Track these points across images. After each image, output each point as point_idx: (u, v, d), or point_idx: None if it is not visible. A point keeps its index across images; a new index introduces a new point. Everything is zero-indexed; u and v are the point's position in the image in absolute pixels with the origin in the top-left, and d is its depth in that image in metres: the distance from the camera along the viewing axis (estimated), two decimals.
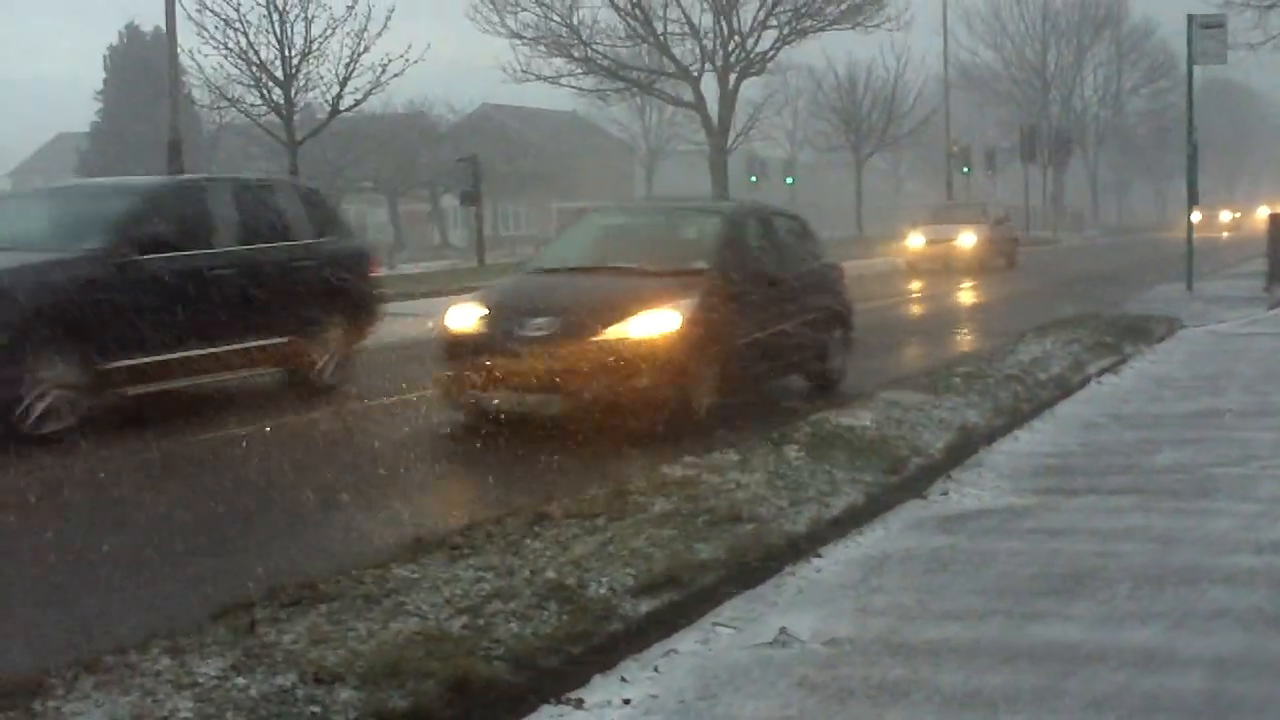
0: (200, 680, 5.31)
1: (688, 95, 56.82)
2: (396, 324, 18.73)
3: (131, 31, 73.79)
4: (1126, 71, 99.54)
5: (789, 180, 72.30)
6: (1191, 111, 27.17)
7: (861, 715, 5.56)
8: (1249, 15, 38.48)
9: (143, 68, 63.38)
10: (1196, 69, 27.11)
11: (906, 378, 13.56)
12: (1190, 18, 25.75)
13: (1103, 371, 15.17)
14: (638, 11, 53.87)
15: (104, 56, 77.24)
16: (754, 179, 66.71)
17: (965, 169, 69.81)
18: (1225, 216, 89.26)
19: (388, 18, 36.00)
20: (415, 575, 6.62)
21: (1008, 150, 78.43)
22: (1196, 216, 64.46)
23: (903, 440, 10.35)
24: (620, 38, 55.64)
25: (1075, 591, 7.08)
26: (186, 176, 20.08)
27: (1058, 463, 10.57)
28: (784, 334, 13.45)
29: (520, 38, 53.10)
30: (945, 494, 9.47)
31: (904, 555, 7.87)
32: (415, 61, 36.23)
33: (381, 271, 19.57)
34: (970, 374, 13.72)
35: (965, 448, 10.69)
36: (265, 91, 35.76)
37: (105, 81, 76.99)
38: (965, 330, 22.68)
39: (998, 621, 6.64)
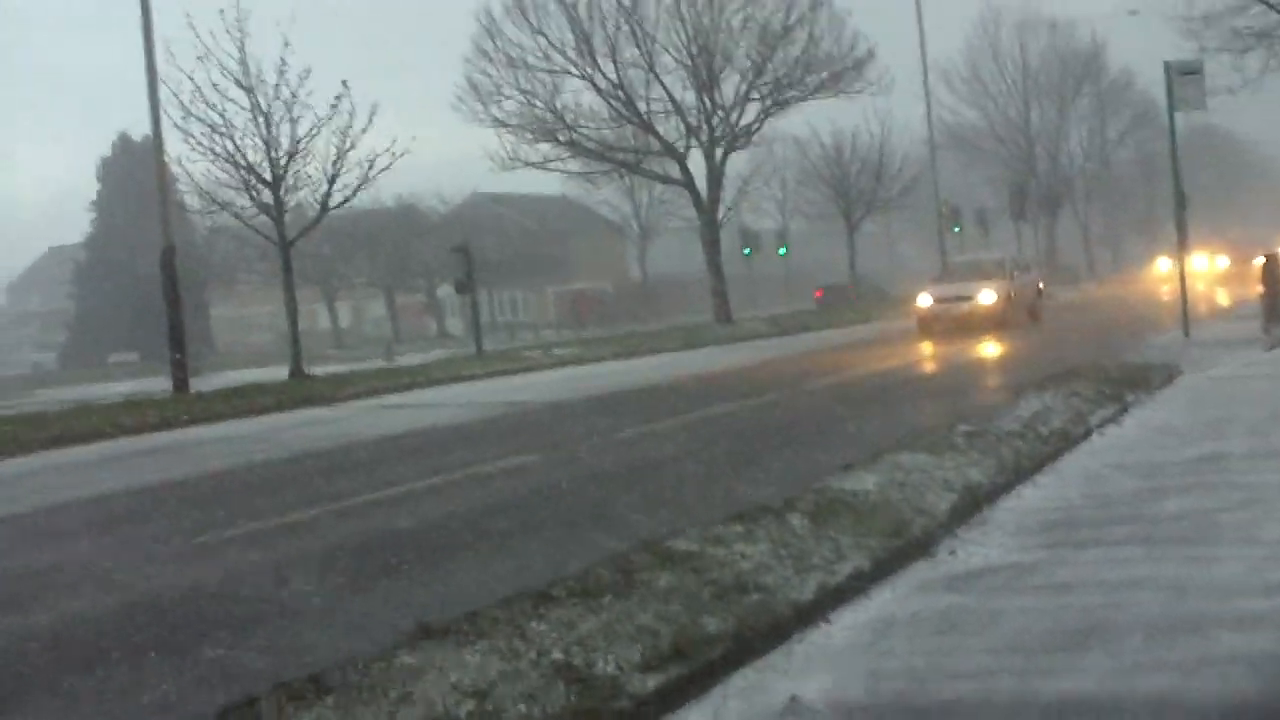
0: None
1: (675, 172, 57.12)
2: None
3: (123, 141, 74.19)
4: (1110, 122, 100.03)
5: (782, 251, 72.54)
6: (1176, 159, 27.28)
7: None
8: (1226, 59, 38.84)
9: (135, 176, 63.66)
10: (1179, 116, 27.25)
11: (908, 438, 13.50)
12: (1167, 65, 25.91)
13: (1104, 422, 15.14)
14: (620, 93, 54.28)
15: (96, 167, 77.63)
16: (748, 251, 66.94)
17: (956, 228, 70.11)
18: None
19: (372, 114, 36.17)
20: (420, 662, 6.59)
21: (997, 209, 78.73)
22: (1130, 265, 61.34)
23: (906, 502, 10.32)
24: (604, 119, 56.08)
25: (1086, 644, 7.03)
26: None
27: (1063, 516, 10.52)
28: None
29: (505, 125, 53.57)
30: (952, 553, 9.41)
31: (912, 617, 7.82)
32: (401, 155, 36.39)
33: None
34: (971, 432, 13.68)
35: (970, 507, 10.65)
36: (254, 193, 35.88)
37: (99, 192, 77.35)
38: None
39: (1009, 678, 6.59)
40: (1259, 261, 38.82)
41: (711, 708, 6.42)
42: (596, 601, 7.57)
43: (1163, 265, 72.24)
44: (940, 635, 7.44)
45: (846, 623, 7.79)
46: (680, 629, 7.02)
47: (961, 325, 34.88)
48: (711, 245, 55.37)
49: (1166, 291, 48.90)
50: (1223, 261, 49.81)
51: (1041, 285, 41.71)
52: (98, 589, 10.33)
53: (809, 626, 7.62)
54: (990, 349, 30.40)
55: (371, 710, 5.94)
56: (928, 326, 35.82)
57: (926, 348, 32.31)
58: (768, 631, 7.30)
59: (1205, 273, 62.81)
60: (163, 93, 31.45)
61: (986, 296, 35.92)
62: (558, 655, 6.61)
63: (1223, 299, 38.77)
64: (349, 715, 5.89)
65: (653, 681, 6.37)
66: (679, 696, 6.41)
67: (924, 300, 36.96)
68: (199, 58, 33.78)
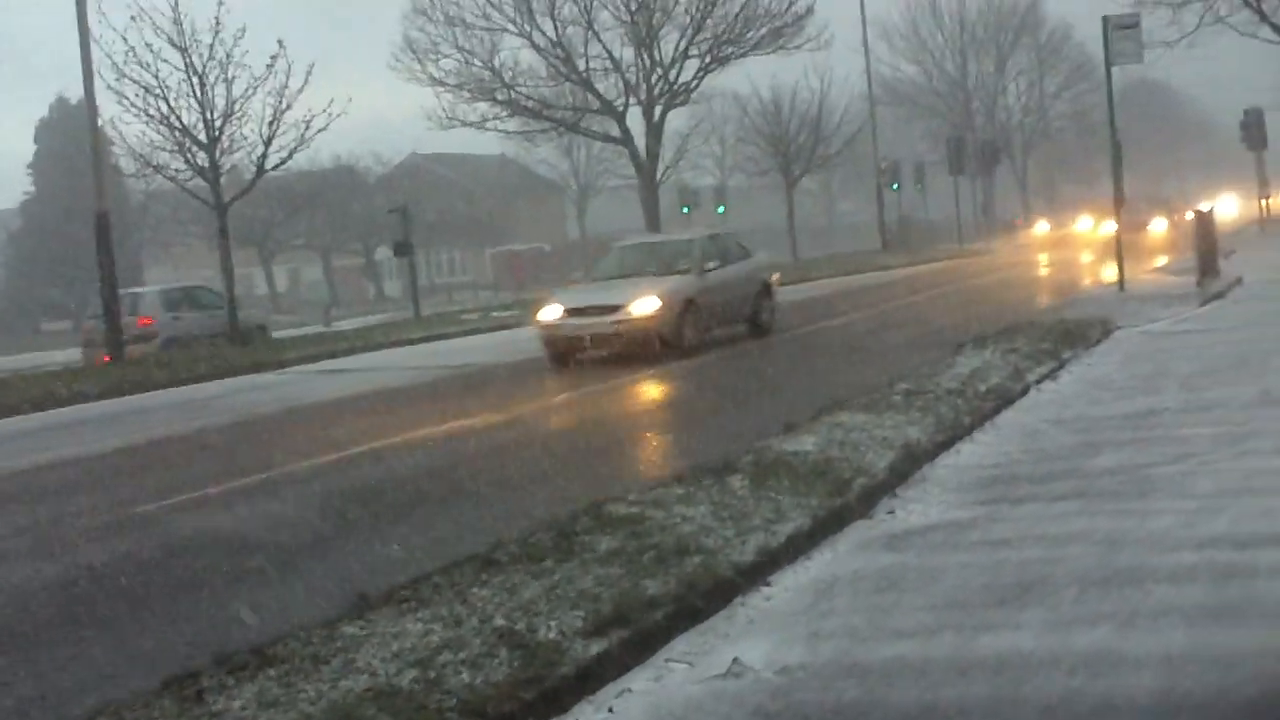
0: None
1: (614, 131, 56.95)
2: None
3: (61, 104, 72.95)
4: (1047, 76, 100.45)
5: (720, 209, 72.50)
6: (1112, 112, 27.39)
7: None
8: (1162, 13, 39.13)
9: (72, 139, 62.70)
10: (1116, 70, 27.36)
11: (848, 399, 13.57)
12: (1105, 19, 26.00)
13: (1042, 378, 15.25)
14: (559, 50, 54.04)
15: (35, 130, 76.41)
16: (686, 209, 66.86)
17: (894, 185, 70.24)
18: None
19: (308, 74, 35.76)
20: (363, 631, 6.61)
21: (936, 163, 78.93)
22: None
23: (846, 462, 10.37)
24: (543, 78, 55.88)
25: (1024, 600, 7.12)
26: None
27: (1001, 472, 10.62)
28: None
29: (443, 84, 53.23)
30: (891, 513, 9.49)
31: (853, 576, 7.89)
32: (338, 115, 36.02)
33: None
34: (911, 390, 13.79)
35: (909, 464, 10.73)
36: (189, 156, 35.48)
37: (35, 154, 76.14)
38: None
39: (949, 635, 6.67)
40: (1158, 227, 37.80)
41: (654, 672, 6.45)
42: (538, 566, 7.60)
43: (1041, 227, 66.57)
44: (881, 594, 7.51)
45: (788, 583, 7.84)
46: (622, 593, 7.05)
47: (605, 349, 22.73)
48: (650, 203, 55.27)
49: (1045, 263, 45.80)
50: (1109, 226, 43.24)
51: (773, 279, 26.65)
52: (34, 559, 10.26)
53: (750, 588, 7.66)
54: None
55: (314, 681, 5.94)
56: (558, 352, 22.86)
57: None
58: (710, 594, 7.34)
59: (1084, 237, 54.37)
60: (95, 53, 31.05)
61: (644, 305, 22.29)
62: (500, 621, 6.64)
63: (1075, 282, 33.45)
64: (291, 687, 5.89)
65: (595, 647, 6.39)
66: (621, 662, 6.44)
67: (550, 312, 23.27)
68: (132, 17, 33.32)
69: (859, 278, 45.59)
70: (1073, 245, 48.53)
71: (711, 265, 24.20)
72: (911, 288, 36.45)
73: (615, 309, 22.36)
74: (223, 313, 35.59)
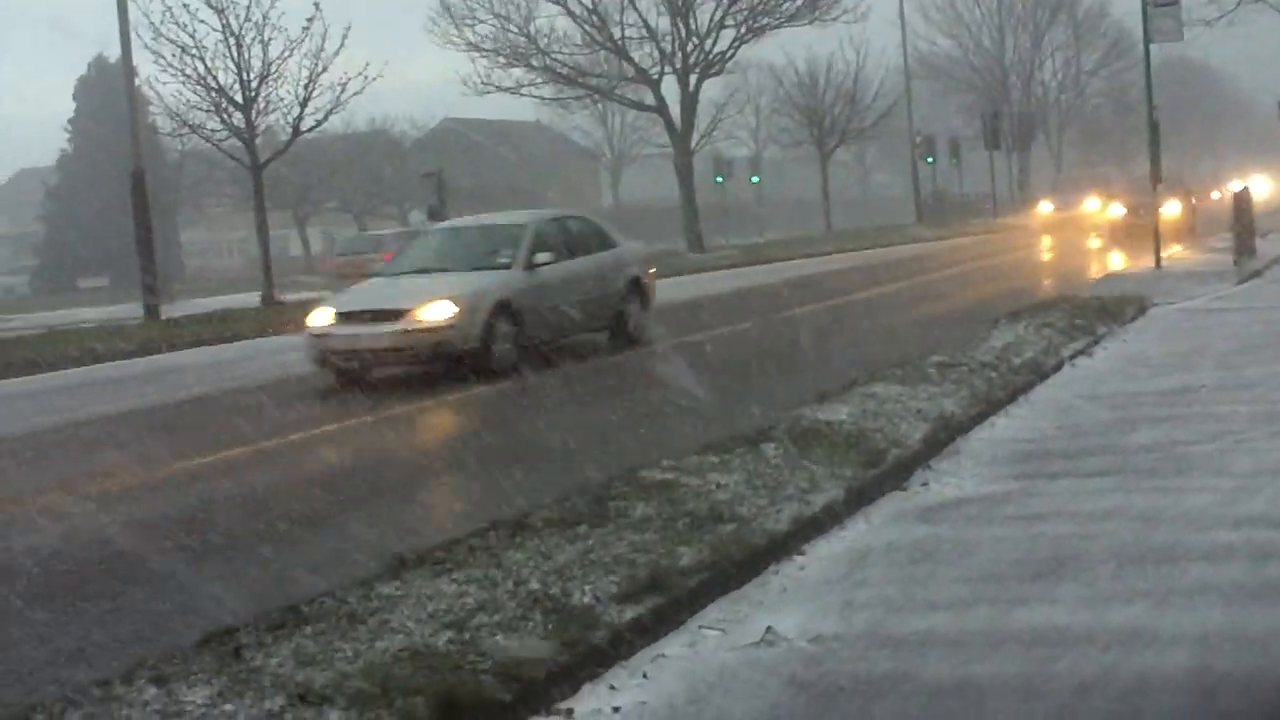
0: (188, 709, 5.31)
1: (649, 99, 56.81)
2: None
3: (100, 63, 73.16)
4: (1085, 53, 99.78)
5: (754, 179, 72.35)
6: (1150, 90, 27.20)
7: (850, 711, 5.57)
8: None
9: (111, 98, 62.85)
10: (1154, 48, 27.15)
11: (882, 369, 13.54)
12: None
13: (1076, 354, 15.20)
14: (594, 17, 53.91)
15: (74, 88, 76.89)
16: (720, 179, 66.76)
17: (929, 158, 69.96)
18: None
19: (344, 37, 35.84)
20: (399, 592, 6.63)
21: (971, 138, 78.56)
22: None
23: (881, 433, 10.35)
24: (578, 44, 55.74)
25: (1059, 574, 7.10)
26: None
27: (1036, 447, 10.59)
28: None
29: (479, 50, 53.19)
30: (925, 485, 9.47)
31: (887, 548, 7.88)
32: (374, 79, 36.14)
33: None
34: (945, 363, 13.73)
35: (943, 437, 10.70)
36: (225, 116, 35.63)
37: (74, 112, 76.61)
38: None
39: (983, 609, 6.65)
40: (1170, 211, 35.99)
41: (688, 639, 6.46)
42: (573, 531, 7.61)
43: (1044, 208, 60.83)
44: (915, 565, 7.50)
45: (821, 553, 7.83)
46: (656, 559, 7.05)
47: (386, 367, 17.52)
48: (685, 173, 55.14)
49: (1047, 248, 42.95)
50: (1117, 209, 39.16)
51: (645, 276, 20.72)
52: (74, 515, 10.32)
53: (784, 557, 7.66)
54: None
55: (350, 640, 5.97)
56: (331, 368, 17.31)
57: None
58: (743, 562, 7.34)
59: (1089, 219, 47.62)
60: (133, 13, 31.18)
61: (435, 311, 16.82)
62: (535, 585, 6.65)
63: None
64: (328, 645, 5.91)
65: (630, 612, 6.40)
66: (656, 628, 6.45)
67: (320, 317, 17.63)
68: None
69: (865, 254, 45.01)
70: (1082, 227, 46.45)
71: (545, 258, 18.48)
72: (917, 267, 35.03)
73: (399, 315, 16.86)
74: None
